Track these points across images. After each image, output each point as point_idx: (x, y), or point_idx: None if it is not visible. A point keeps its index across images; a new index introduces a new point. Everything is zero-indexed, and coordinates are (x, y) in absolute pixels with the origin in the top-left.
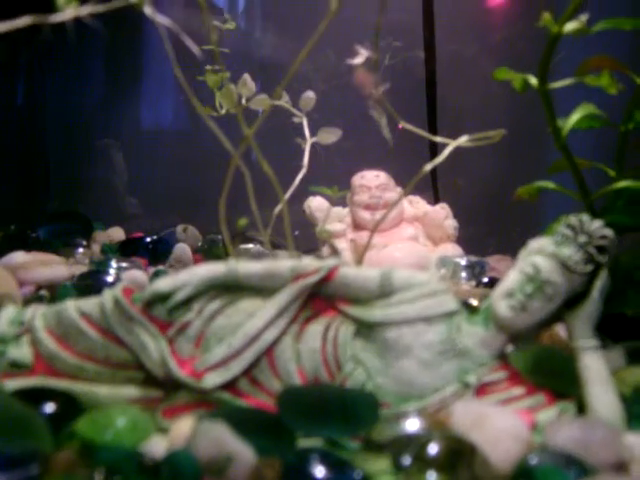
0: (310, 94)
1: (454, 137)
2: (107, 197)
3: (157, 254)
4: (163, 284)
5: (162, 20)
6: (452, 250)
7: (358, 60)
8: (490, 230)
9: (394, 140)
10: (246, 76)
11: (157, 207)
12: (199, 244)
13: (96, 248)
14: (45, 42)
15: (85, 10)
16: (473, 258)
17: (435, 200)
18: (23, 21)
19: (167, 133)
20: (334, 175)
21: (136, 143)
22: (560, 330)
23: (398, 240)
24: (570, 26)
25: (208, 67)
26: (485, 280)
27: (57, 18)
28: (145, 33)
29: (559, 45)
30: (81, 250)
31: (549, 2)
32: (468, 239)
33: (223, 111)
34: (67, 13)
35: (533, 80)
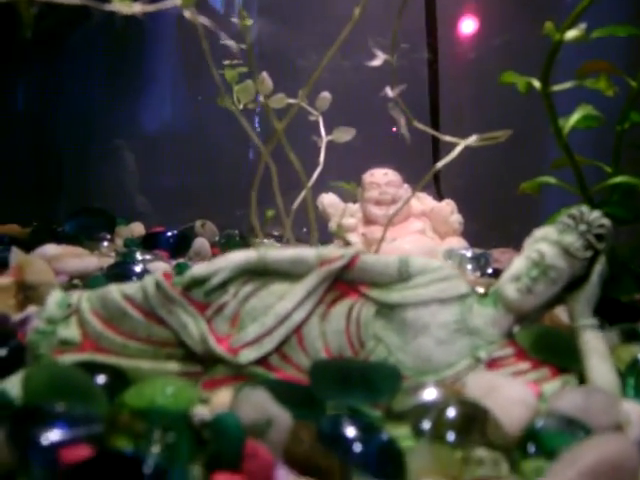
0: (326, 94)
1: (455, 136)
2: (118, 197)
3: (177, 248)
4: (201, 269)
5: (202, 20)
6: (458, 243)
7: (376, 62)
8: (491, 225)
9: (396, 140)
10: (264, 74)
11: (167, 206)
12: (216, 238)
13: (119, 242)
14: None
15: (137, 7)
16: (478, 250)
17: (438, 196)
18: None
19: (176, 132)
20: (342, 174)
21: (147, 143)
22: (561, 314)
23: (407, 234)
24: (570, 34)
25: (226, 62)
26: (489, 271)
27: (109, 7)
28: (155, 35)
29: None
30: (106, 244)
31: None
32: (471, 234)
33: (241, 106)
34: (118, 5)
35: (536, 83)
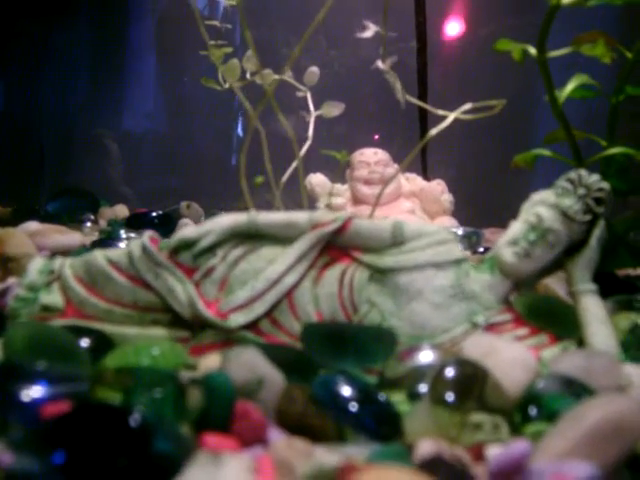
0: (314, 69)
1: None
2: (100, 181)
3: (162, 228)
4: (189, 232)
5: None
6: (449, 222)
7: (367, 34)
8: (482, 206)
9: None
10: (250, 52)
11: (147, 194)
12: (202, 219)
13: (103, 223)
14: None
15: None
16: (469, 229)
17: (424, 175)
18: None
19: (157, 125)
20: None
21: (129, 130)
22: (555, 285)
23: (396, 213)
24: None
25: (212, 42)
26: (481, 250)
27: None
28: (138, 28)
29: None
30: (89, 224)
31: None
32: (461, 215)
33: (227, 85)
34: None
35: (532, 50)
